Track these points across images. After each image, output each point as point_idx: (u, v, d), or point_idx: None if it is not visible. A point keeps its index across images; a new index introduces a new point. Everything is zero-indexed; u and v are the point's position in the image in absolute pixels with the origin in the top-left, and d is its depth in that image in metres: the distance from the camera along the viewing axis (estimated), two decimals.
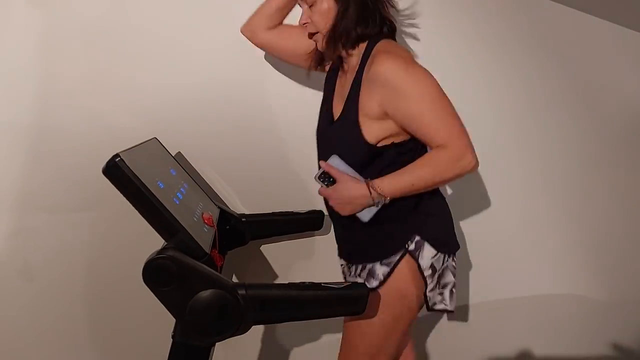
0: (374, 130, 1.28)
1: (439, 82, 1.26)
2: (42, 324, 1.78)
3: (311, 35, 1.37)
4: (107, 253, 1.76)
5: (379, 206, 1.28)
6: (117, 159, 1.15)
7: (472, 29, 1.79)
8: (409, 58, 1.29)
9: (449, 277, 1.38)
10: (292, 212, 1.72)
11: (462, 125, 1.24)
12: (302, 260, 1.84)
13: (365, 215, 1.29)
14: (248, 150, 1.77)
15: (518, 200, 1.90)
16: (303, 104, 1.72)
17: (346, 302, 1.21)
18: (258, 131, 1.77)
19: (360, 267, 1.37)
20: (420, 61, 1.71)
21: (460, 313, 1.95)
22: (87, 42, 1.67)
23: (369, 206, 1.27)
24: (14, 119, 1.67)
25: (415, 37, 1.75)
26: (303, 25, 1.36)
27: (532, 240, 1.92)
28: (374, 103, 1.26)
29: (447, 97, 1.25)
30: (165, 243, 1.21)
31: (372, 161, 1.30)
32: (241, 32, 1.56)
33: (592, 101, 1.86)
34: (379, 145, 1.29)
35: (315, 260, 1.65)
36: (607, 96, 1.86)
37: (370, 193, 1.24)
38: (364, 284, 1.25)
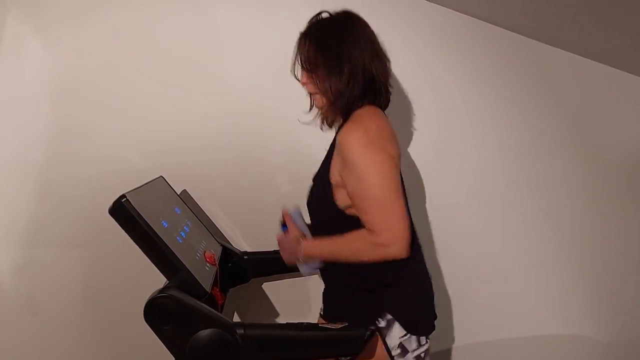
0: (342, 196, 1.30)
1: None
2: (46, 359, 1.79)
3: (310, 94, 1.41)
4: (111, 289, 1.78)
5: (315, 266, 1.40)
6: (123, 200, 1.18)
7: (477, 74, 1.84)
8: (377, 133, 1.25)
9: None
10: None
11: (400, 215, 1.21)
12: (303, 298, 1.85)
13: (303, 269, 1.42)
14: (252, 189, 1.81)
15: (522, 240, 1.91)
16: (307, 145, 1.77)
17: (343, 343, 1.22)
18: (262, 170, 1.81)
19: None
20: (427, 104, 1.81)
21: (462, 353, 1.94)
22: (97, 82, 1.73)
23: (304, 263, 1.40)
24: (23, 156, 1.73)
25: (423, 80, 1.81)
26: (302, 84, 1.39)
27: (536, 280, 1.92)
28: (336, 170, 1.30)
29: (395, 183, 1.23)
30: (167, 281, 1.24)
31: (342, 225, 1.30)
32: None
33: (595, 144, 1.88)
34: (347, 211, 1.30)
35: (317, 299, 1.65)
36: (609, 139, 1.88)
37: (298, 249, 1.37)
38: (361, 325, 1.26)
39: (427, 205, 1.87)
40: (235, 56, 1.77)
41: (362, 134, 1.24)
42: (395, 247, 1.21)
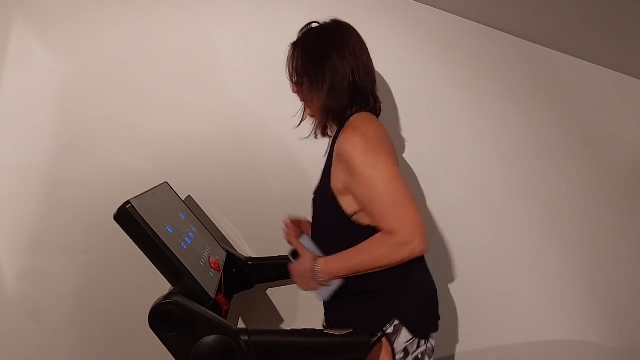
0: (347, 202, 1.30)
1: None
2: None
3: (302, 102, 1.43)
4: (116, 295, 1.78)
5: (334, 287, 1.30)
6: (128, 206, 1.19)
7: (477, 78, 1.84)
8: (374, 137, 1.27)
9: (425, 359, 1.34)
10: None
11: (413, 210, 1.21)
12: (307, 304, 1.84)
13: (321, 294, 1.32)
14: (256, 194, 1.81)
15: (525, 245, 1.90)
16: (310, 149, 1.76)
17: (347, 349, 1.21)
18: (266, 176, 1.81)
19: None
20: (425, 110, 1.82)
21: (464, 359, 1.93)
22: (101, 88, 1.74)
23: (322, 285, 1.30)
24: (27, 161, 1.74)
25: (421, 85, 1.81)
26: (294, 92, 1.43)
27: (539, 285, 1.91)
28: (338, 178, 1.29)
29: (400, 180, 1.23)
30: (172, 287, 1.24)
31: (353, 233, 1.29)
32: None
33: (596, 148, 1.88)
34: (354, 217, 1.30)
35: (321, 305, 1.65)
36: (611, 143, 1.88)
37: (316, 269, 1.28)
38: (365, 331, 1.26)
39: (427, 211, 1.86)
40: (241, 64, 1.78)
41: (359, 138, 1.24)
42: (415, 243, 1.20)
